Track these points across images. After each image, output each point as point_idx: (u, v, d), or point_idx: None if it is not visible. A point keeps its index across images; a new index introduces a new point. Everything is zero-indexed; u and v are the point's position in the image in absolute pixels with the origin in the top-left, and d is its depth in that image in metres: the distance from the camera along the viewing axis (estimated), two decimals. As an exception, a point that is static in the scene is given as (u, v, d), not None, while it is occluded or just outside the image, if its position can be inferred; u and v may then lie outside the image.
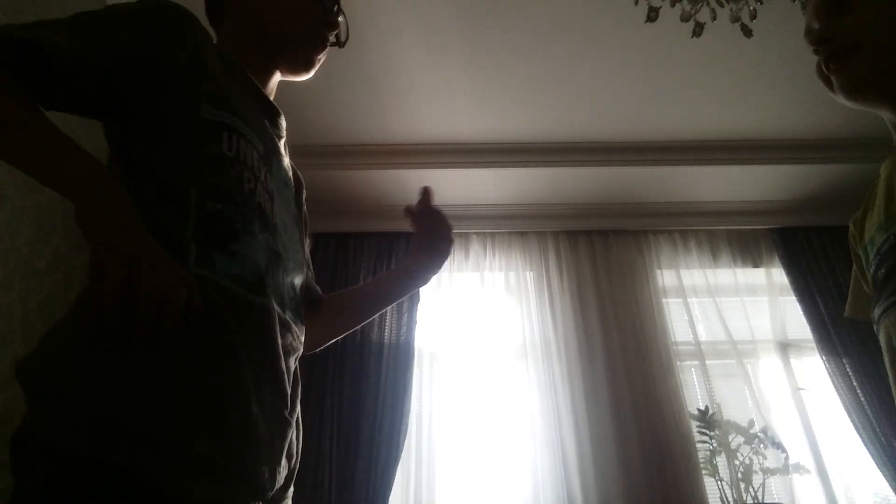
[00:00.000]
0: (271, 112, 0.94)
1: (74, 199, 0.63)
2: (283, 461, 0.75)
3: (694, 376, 2.70)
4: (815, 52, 0.90)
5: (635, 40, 2.17)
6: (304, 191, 1.07)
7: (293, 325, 0.84)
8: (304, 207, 1.06)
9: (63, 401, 0.60)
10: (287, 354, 0.79)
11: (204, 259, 0.69)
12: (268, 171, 0.84)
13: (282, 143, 0.95)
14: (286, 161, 0.95)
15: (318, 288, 1.09)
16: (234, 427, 0.66)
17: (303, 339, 0.88)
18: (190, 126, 0.75)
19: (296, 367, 0.85)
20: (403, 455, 2.41)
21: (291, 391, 0.80)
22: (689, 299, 2.82)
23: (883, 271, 0.79)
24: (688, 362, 2.72)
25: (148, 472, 0.59)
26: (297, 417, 0.84)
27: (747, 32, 1.58)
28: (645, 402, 2.53)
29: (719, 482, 2.30)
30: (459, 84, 2.41)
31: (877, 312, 0.80)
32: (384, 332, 2.67)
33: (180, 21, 0.80)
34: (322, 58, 0.99)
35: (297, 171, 1.07)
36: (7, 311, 2.02)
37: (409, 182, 2.86)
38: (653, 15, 1.64)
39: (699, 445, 2.42)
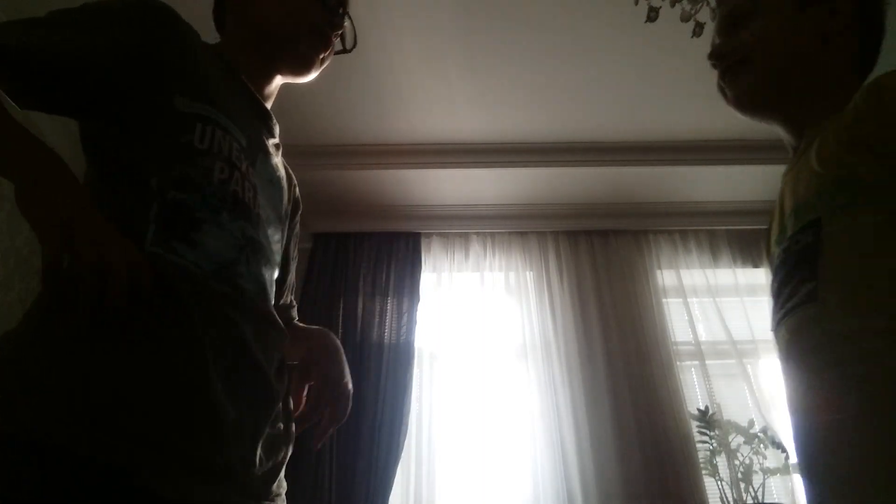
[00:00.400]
0: (262, 115, 0.94)
1: (13, 179, 0.62)
2: (260, 452, 0.74)
3: (694, 376, 2.70)
4: (713, 66, 0.93)
5: (635, 40, 2.17)
6: (300, 206, 1.07)
7: (272, 315, 0.82)
8: (297, 227, 1.05)
9: (40, 394, 0.59)
10: (267, 345, 0.78)
11: (161, 241, 0.68)
12: (250, 164, 0.84)
13: (271, 144, 0.95)
14: (276, 161, 0.95)
15: (292, 313, 1.10)
16: (198, 415, 0.65)
17: (283, 333, 0.86)
18: (161, 117, 0.75)
19: (281, 359, 0.83)
20: (403, 455, 2.41)
21: (275, 382, 0.79)
22: (689, 299, 2.81)
23: (776, 284, 0.81)
24: (688, 362, 2.72)
25: (111, 459, 0.58)
26: (285, 411, 0.83)
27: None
28: (645, 402, 2.52)
29: (719, 482, 2.30)
30: (459, 84, 2.41)
31: (773, 324, 0.82)
32: (384, 332, 2.67)
33: (155, 15, 0.80)
34: (325, 58, 0.99)
35: (294, 184, 1.06)
36: (7, 311, 2.02)
37: (409, 182, 2.86)
38: (653, 15, 1.64)
39: (699, 445, 2.42)
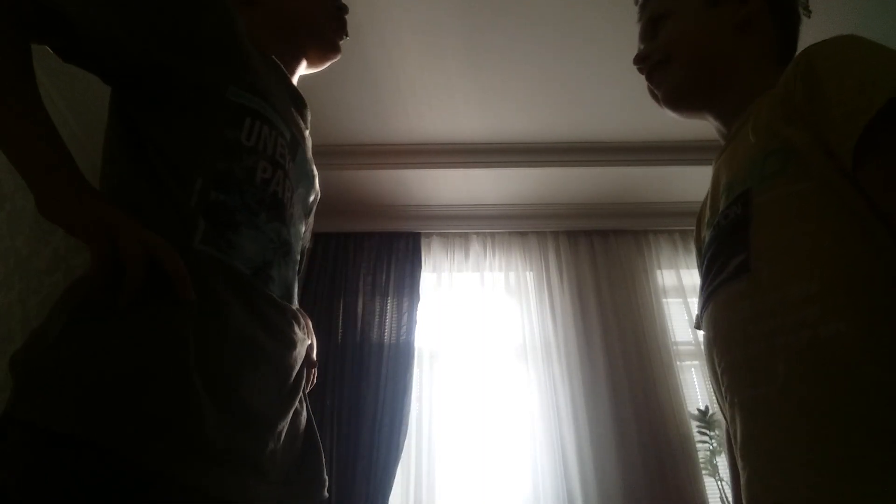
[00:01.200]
0: (298, 102, 0.95)
1: (33, 190, 0.63)
2: (282, 443, 0.74)
3: (694, 376, 2.70)
4: (640, 71, 0.95)
5: (635, 40, 2.17)
6: (319, 192, 1.07)
7: (299, 316, 0.84)
8: (313, 209, 1.06)
9: (53, 382, 0.58)
10: (292, 345, 0.79)
11: (209, 240, 0.68)
12: (293, 160, 0.84)
13: (307, 134, 0.96)
14: (309, 153, 0.95)
15: None
16: (236, 407, 0.65)
17: (306, 332, 0.87)
18: (211, 107, 0.74)
19: (303, 361, 0.84)
20: (403, 455, 2.41)
21: (296, 380, 0.79)
22: (689, 299, 2.81)
23: (704, 262, 0.79)
24: (688, 362, 2.72)
25: (152, 459, 0.57)
26: (307, 411, 0.84)
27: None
28: (645, 402, 2.53)
29: (719, 482, 2.30)
30: (459, 84, 2.41)
31: (699, 304, 0.80)
32: (384, 332, 2.67)
33: (219, 4, 0.80)
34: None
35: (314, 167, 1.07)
36: (7, 311, 2.02)
37: (409, 182, 2.86)
38: (653, 15, 1.64)
39: (699, 445, 2.42)
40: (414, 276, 2.81)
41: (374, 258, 2.86)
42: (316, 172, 1.00)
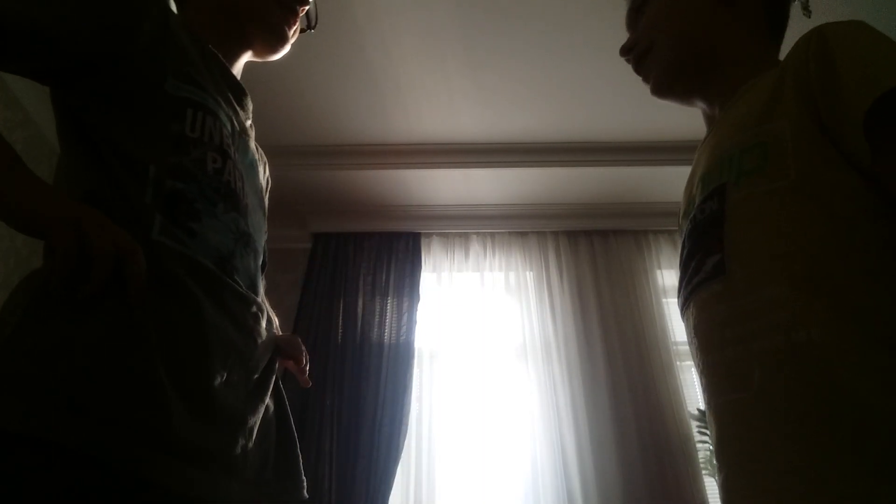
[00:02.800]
0: (237, 91, 0.91)
1: None
2: (254, 439, 0.73)
3: (694, 376, 2.69)
4: (628, 62, 0.92)
5: (635, 40, 2.17)
6: (270, 179, 1.03)
7: (263, 307, 0.82)
8: (267, 196, 1.03)
9: (7, 379, 0.55)
10: (258, 337, 0.77)
11: (166, 231, 0.67)
12: (237, 150, 0.82)
13: (248, 124, 0.93)
14: (252, 142, 0.93)
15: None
16: (205, 403, 0.64)
17: (270, 323, 0.85)
18: (152, 101, 0.73)
19: (273, 349, 0.83)
20: (403, 455, 2.41)
21: (264, 375, 0.78)
22: (689, 299, 2.82)
23: (683, 256, 0.77)
24: (688, 362, 2.72)
25: (116, 458, 0.55)
26: (279, 407, 0.82)
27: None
28: (645, 402, 2.53)
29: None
30: (459, 84, 2.41)
31: (680, 302, 0.78)
32: (384, 332, 2.67)
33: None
34: (294, 32, 0.96)
35: (265, 163, 1.03)
36: (7, 311, 2.01)
37: (409, 182, 2.86)
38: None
39: (699, 445, 2.43)
40: (414, 276, 2.81)
41: (374, 258, 2.86)
42: (263, 160, 0.97)
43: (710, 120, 0.88)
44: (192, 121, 0.74)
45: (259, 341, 0.78)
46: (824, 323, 0.56)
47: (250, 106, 0.95)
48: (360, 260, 2.86)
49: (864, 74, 0.57)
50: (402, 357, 2.59)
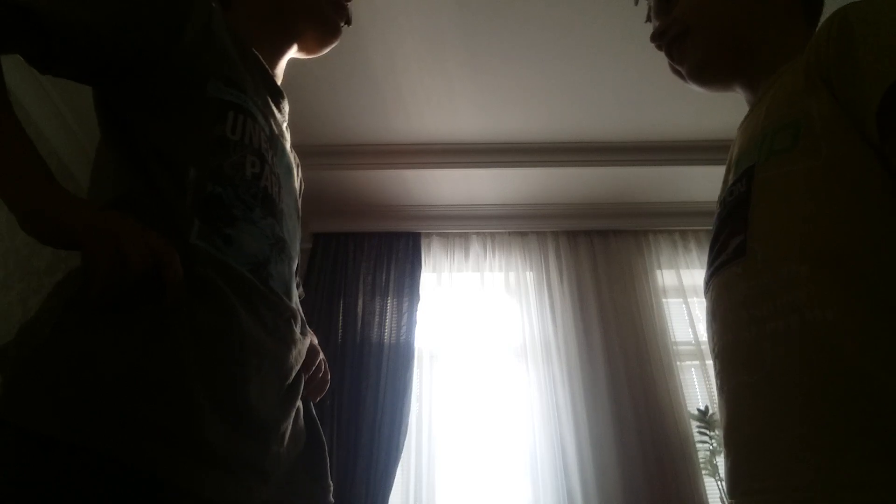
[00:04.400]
0: (276, 94, 0.91)
1: (18, 205, 0.61)
2: (285, 446, 0.73)
3: (694, 376, 2.70)
4: (659, 48, 0.90)
5: (635, 40, 2.17)
6: (303, 181, 1.03)
7: (297, 313, 0.82)
8: (300, 199, 1.03)
9: (44, 384, 0.56)
10: (291, 344, 0.78)
11: (205, 235, 0.67)
12: (274, 154, 0.82)
13: (285, 126, 0.93)
14: (288, 145, 0.93)
15: (301, 290, 1.09)
16: (238, 410, 0.64)
17: (304, 328, 0.86)
18: (194, 103, 0.73)
19: (299, 361, 0.83)
20: (403, 455, 2.41)
21: (295, 380, 0.78)
22: (689, 299, 2.81)
23: (711, 239, 0.77)
24: (688, 362, 2.72)
25: (149, 464, 0.55)
26: (306, 412, 0.83)
27: None
28: (645, 402, 2.53)
29: (719, 482, 2.30)
30: (460, 84, 2.41)
31: (704, 283, 0.78)
32: (384, 332, 2.67)
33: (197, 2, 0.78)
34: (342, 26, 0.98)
35: (296, 157, 1.03)
36: (7, 311, 2.02)
37: (409, 182, 2.86)
38: (653, 15, 1.64)
39: (699, 445, 2.43)
40: (414, 276, 2.81)
41: (374, 258, 2.86)
42: (297, 163, 0.97)
43: (750, 104, 0.87)
44: (234, 123, 0.74)
45: (292, 347, 0.78)
46: (840, 303, 0.55)
47: (287, 108, 0.95)
48: (360, 260, 2.86)
49: (880, 65, 0.56)
50: (402, 357, 2.59)
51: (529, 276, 2.87)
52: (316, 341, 0.97)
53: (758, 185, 0.66)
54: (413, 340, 2.64)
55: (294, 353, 0.78)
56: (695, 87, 0.90)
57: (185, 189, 0.68)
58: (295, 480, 0.76)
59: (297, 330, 0.81)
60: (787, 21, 0.81)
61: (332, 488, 0.84)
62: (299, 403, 0.80)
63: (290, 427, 0.75)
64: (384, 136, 2.69)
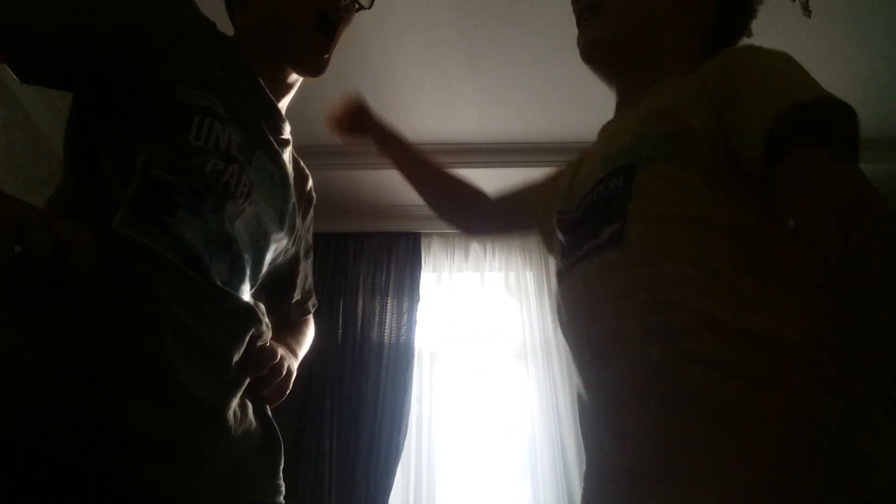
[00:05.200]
0: (270, 112, 0.90)
1: None
2: (232, 439, 0.71)
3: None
4: (574, 12, 0.90)
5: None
6: (313, 200, 1.01)
7: (255, 314, 0.79)
8: (309, 222, 1.00)
9: None
10: (239, 338, 0.75)
11: (130, 223, 0.66)
12: (250, 162, 0.81)
13: (276, 141, 0.91)
14: (282, 159, 0.91)
15: (307, 306, 1.10)
16: (167, 400, 0.63)
17: (251, 321, 0.81)
18: (159, 106, 0.72)
19: (250, 348, 0.78)
20: (403, 455, 2.41)
21: (237, 375, 0.75)
22: (689, 299, 2.82)
23: (564, 231, 0.80)
24: (688, 362, 2.72)
25: (66, 451, 0.55)
26: (259, 410, 0.80)
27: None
28: (645, 402, 2.52)
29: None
30: (460, 84, 2.41)
31: (562, 265, 0.80)
32: (384, 332, 2.67)
33: (169, 4, 0.78)
34: (327, 55, 0.94)
35: (306, 178, 1.01)
36: (7, 311, 2.01)
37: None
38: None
39: (699, 445, 2.42)
40: (414, 276, 2.81)
41: (374, 258, 2.86)
42: (293, 180, 0.94)
43: (621, 105, 0.90)
44: (199, 128, 0.73)
45: (238, 341, 0.75)
46: (721, 307, 0.59)
47: (286, 126, 0.94)
48: (360, 260, 2.86)
49: (768, 94, 0.62)
50: (402, 357, 2.59)
51: (529, 276, 2.87)
52: (293, 350, 0.95)
53: (638, 185, 0.68)
54: (413, 340, 2.64)
55: (236, 345, 0.75)
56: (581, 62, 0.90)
57: (129, 176, 0.67)
58: (247, 475, 0.74)
59: (252, 328, 0.78)
60: (687, 43, 0.83)
61: (283, 490, 0.81)
62: (245, 400, 0.77)
63: (235, 418, 0.72)
64: (384, 136, 2.69)
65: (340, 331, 2.66)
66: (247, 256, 0.80)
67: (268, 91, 0.90)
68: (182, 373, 0.65)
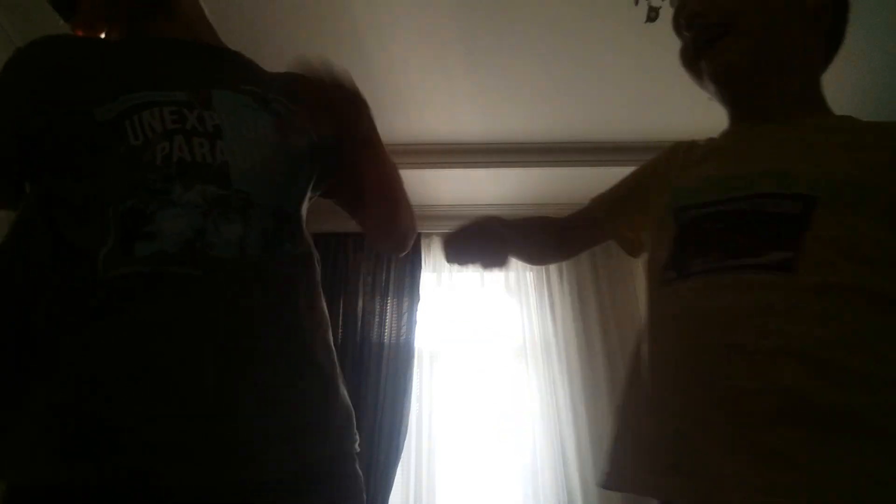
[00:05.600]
0: (202, 53, 0.89)
1: None
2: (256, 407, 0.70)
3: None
4: (687, 28, 0.85)
5: (635, 40, 2.17)
6: (303, 87, 0.91)
7: (266, 268, 0.76)
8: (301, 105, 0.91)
9: None
10: (239, 302, 0.72)
11: (114, 259, 0.67)
12: (201, 110, 0.78)
13: (231, 74, 0.88)
14: (247, 85, 0.87)
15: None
16: (152, 390, 0.65)
17: (287, 271, 0.81)
18: (91, 141, 0.74)
19: (274, 316, 0.76)
20: (403, 455, 2.41)
21: (247, 341, 0.72)
22: (689, 299, 2.82)
23: (711, 229, 0.80)
24: (688, 362, 2.72)
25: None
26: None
27: None
28: (645, 402, 2.52)
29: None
30: (459, 84, 2.41)
31: (697, 264, 0.79)
32: (384, 332, 2.67)
33: (34, 60, 0.80)
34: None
35: (293, 79, 0.92)
36: (7, 311, 2.01)
37: (409, 182, 2.83)
38: (653, 15, 1.64)
39: (699, 445, 2.42)
40: (414, 276, 2.81)
41: (374, 258, 2.86)
42: (261, 95, 0.88)
43: (748, 116, 0.86)
44: (132, 129, 0.74)
45: (232, 309, 0.71)
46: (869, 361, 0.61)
47: (239, 58, 0.94)
48: (360, 260, 2.85)
49: None
50: (402, 357, 2.59)
51: (529, 276, 2.87)
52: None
53: (822, 219, 0.68)
54: (413, 340, 2.64)
55: (239, 315, 0.72)
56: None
57: (108, 226, 0.69)
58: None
59: (260, 286, 0.74)
60: (818, 60, 0.84)
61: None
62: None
63: (245, 396, 0.70)
64: (384, 136, 2.64)
65: (340, 331, 2.66)
66: (260, 198, 0.78)
67: (193, 41, 0.90)
68: (172, 366, 0.66)
